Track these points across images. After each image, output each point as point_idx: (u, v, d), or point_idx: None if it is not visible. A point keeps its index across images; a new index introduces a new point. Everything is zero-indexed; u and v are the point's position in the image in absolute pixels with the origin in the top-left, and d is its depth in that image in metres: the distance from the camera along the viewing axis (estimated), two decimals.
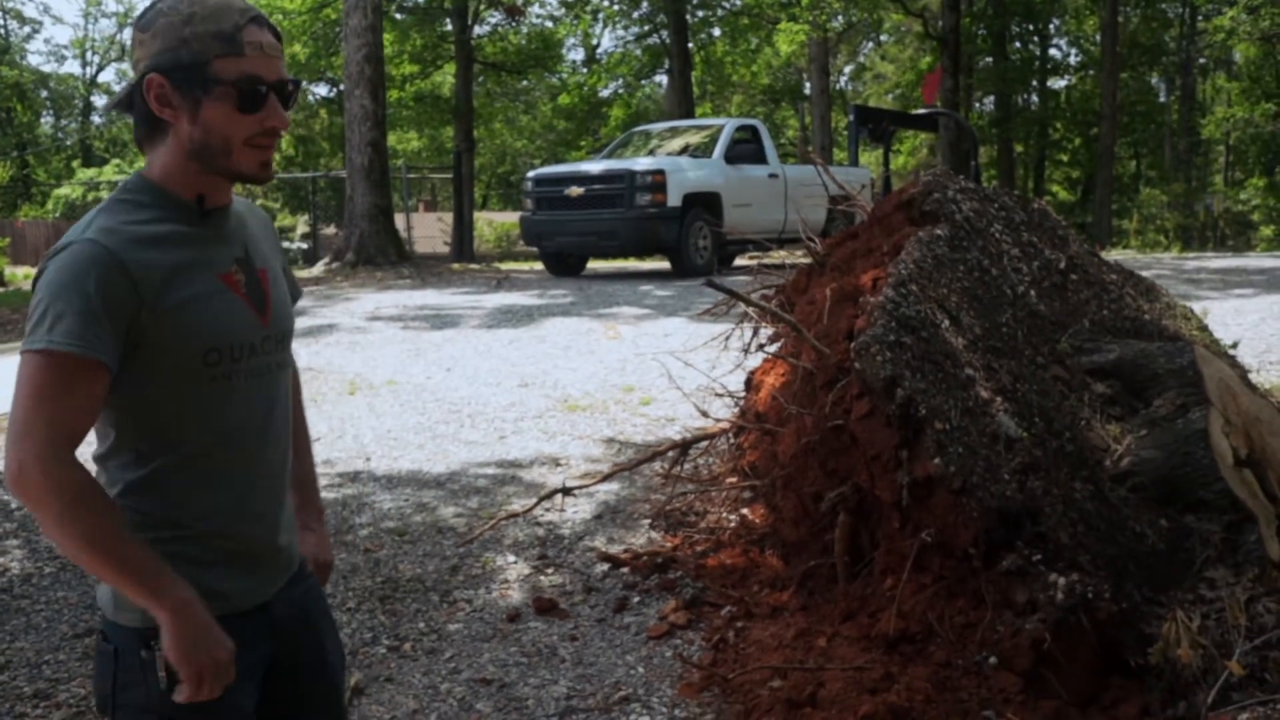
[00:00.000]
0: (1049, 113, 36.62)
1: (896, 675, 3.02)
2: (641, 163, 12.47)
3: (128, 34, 46.78)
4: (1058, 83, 39.29)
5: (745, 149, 13.14)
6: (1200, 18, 34.52)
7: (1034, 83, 37.64)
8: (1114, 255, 17.91)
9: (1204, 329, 4.83)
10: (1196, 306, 8.79)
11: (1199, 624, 3.31)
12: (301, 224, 32.85)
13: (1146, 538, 3.55)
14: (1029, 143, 36.35)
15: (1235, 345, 4.69)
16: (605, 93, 33.90)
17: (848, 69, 45.64)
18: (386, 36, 21.46)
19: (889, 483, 3.37)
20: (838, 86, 42.86)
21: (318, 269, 15.37)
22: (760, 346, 4.49)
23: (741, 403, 4.47)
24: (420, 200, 37.78)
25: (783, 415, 3.85)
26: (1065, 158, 39.96)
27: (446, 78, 28.92)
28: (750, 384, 4.35)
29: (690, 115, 25.41)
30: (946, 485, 3.25)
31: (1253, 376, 5.85)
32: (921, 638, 3.25)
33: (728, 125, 13.72)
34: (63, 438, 1.48)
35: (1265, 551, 3.52)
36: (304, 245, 28.92)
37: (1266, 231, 25.39)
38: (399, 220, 18.45)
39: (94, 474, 1.58)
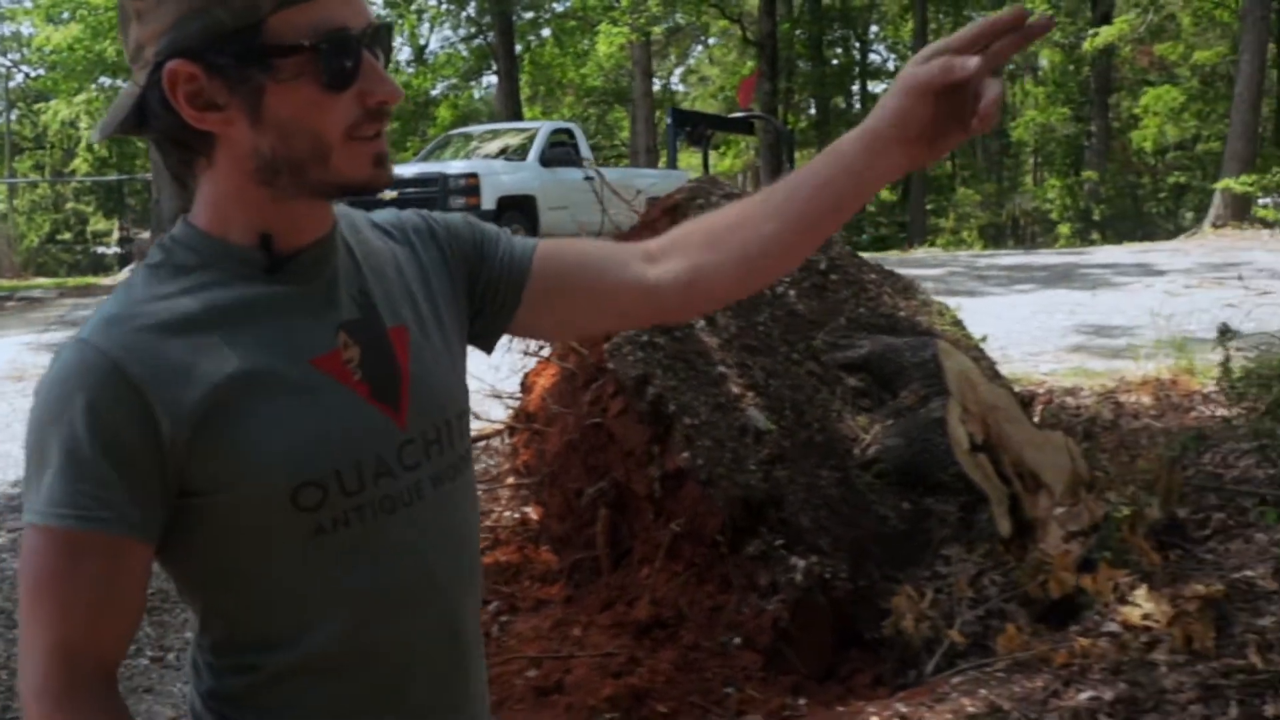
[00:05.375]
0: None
1: (642, 659, 3.18)
2: (455, 166, 12.48)
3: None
4: (879, 86, 40.78)
5: (561, 151, 13.30)
6: None
7: (856, 86, 38.98)
8: (919, 253, 18.77)
9: (957, 324, 5.16)
10: (978, 302, 9.35)
11: (931, 598, 3.58)
12: (116, 229, 31.64)
13: (889, 520, 3.82)
14: None
15: (984, 339, 5.04)
16: (436, 92, 33.62)
17: (679, 70, 46.40)
18: None
19: (643, 477, 3.54)
20: (670, 88, 43.55)
21: (123, 275, 14.87)
22: (540, 349, 4.62)
23: (518, 404, 4.59)
24: None
25: (550, 415, 3.99)
26: None
27: None
28: (524, 386, 4.48)
29: (518, 117, 25.45)
30: (694, 477, 3.44)
31: (1014, 366, 6.29)
32: (674, 622, 3.43)
33: (543, 128, 13.85)
34: (73, 660, 0.98)
35: (996, 529, 3.81)
36: (120, 250, 27.89)
37: (1065, 230, 27.03)
38: None
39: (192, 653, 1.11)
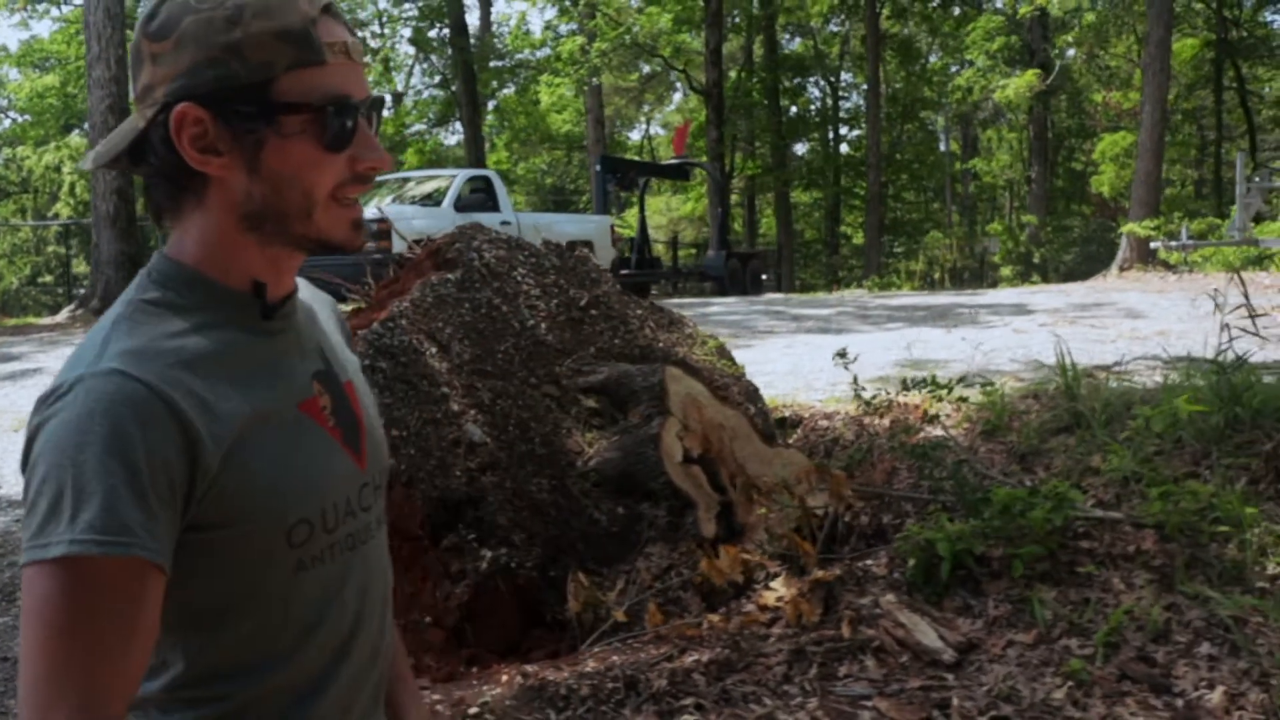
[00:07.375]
0: (838, 160, 38.69)
1: None
2: (367, 211, 13.08)
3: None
4: (855, 132, 41.70)
5: (476, 198, 13.95)
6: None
7: (830, 131, 39.86)
8: (841, 294, 19.38)
9: (722, 354, 5.75)
10: (840, 338, 9.91)
11: (623, 586, 4.15)
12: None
13: (600, 522, 4.39)
14: (827, 188, 38.19)
15: (743, 369, 5.62)
16: (410, 132, 34.52)
17: (658, 116, 47.44)
18: None
19: None
20: (649, 134, 44.59)
21: (61, 316, 15.47)
22: None
23: None
24: None
25: None
26: (859, 203, 42.30)
27: None
28: None
29: (481, 163, 26.28)
30: (398, 480, 4.02)
31: (815, 394, 6.86)
32: None
33: (459, 175, 14.55)
34: (109, 698, 0.94)
35: (700, 531, 4.38)
36: None
37: (1006, 271, 27.70)
38: None
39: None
